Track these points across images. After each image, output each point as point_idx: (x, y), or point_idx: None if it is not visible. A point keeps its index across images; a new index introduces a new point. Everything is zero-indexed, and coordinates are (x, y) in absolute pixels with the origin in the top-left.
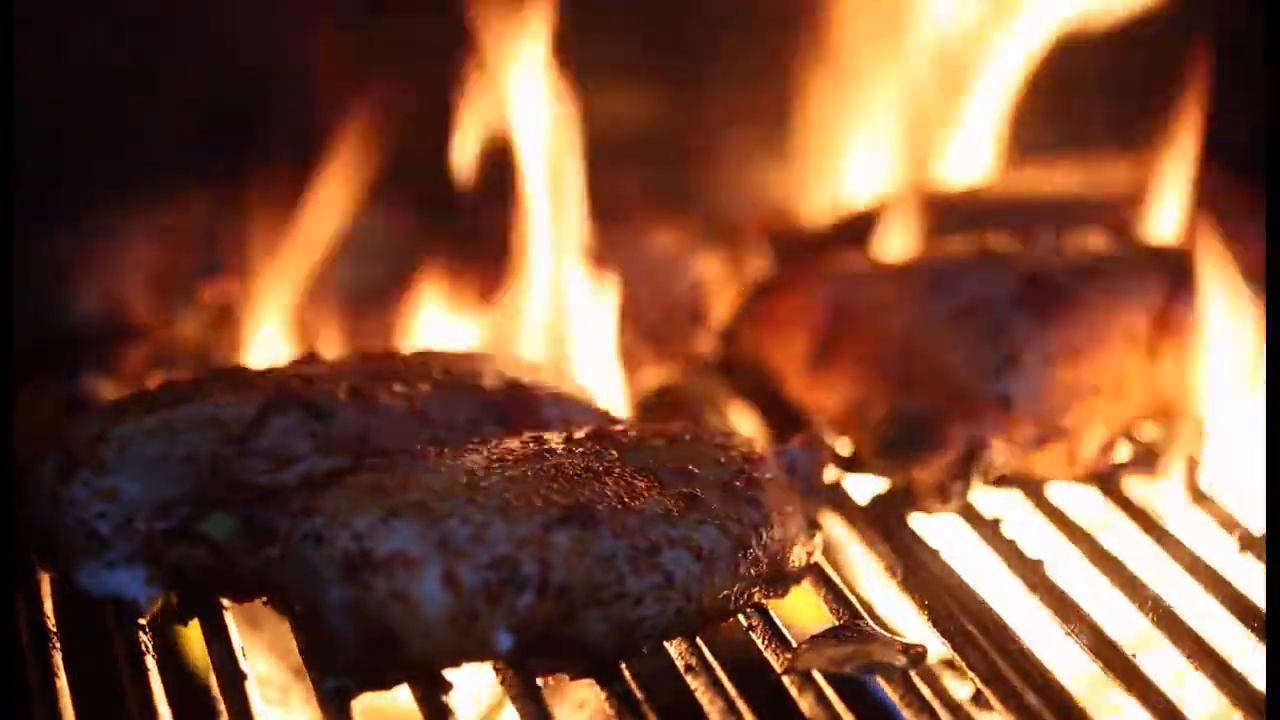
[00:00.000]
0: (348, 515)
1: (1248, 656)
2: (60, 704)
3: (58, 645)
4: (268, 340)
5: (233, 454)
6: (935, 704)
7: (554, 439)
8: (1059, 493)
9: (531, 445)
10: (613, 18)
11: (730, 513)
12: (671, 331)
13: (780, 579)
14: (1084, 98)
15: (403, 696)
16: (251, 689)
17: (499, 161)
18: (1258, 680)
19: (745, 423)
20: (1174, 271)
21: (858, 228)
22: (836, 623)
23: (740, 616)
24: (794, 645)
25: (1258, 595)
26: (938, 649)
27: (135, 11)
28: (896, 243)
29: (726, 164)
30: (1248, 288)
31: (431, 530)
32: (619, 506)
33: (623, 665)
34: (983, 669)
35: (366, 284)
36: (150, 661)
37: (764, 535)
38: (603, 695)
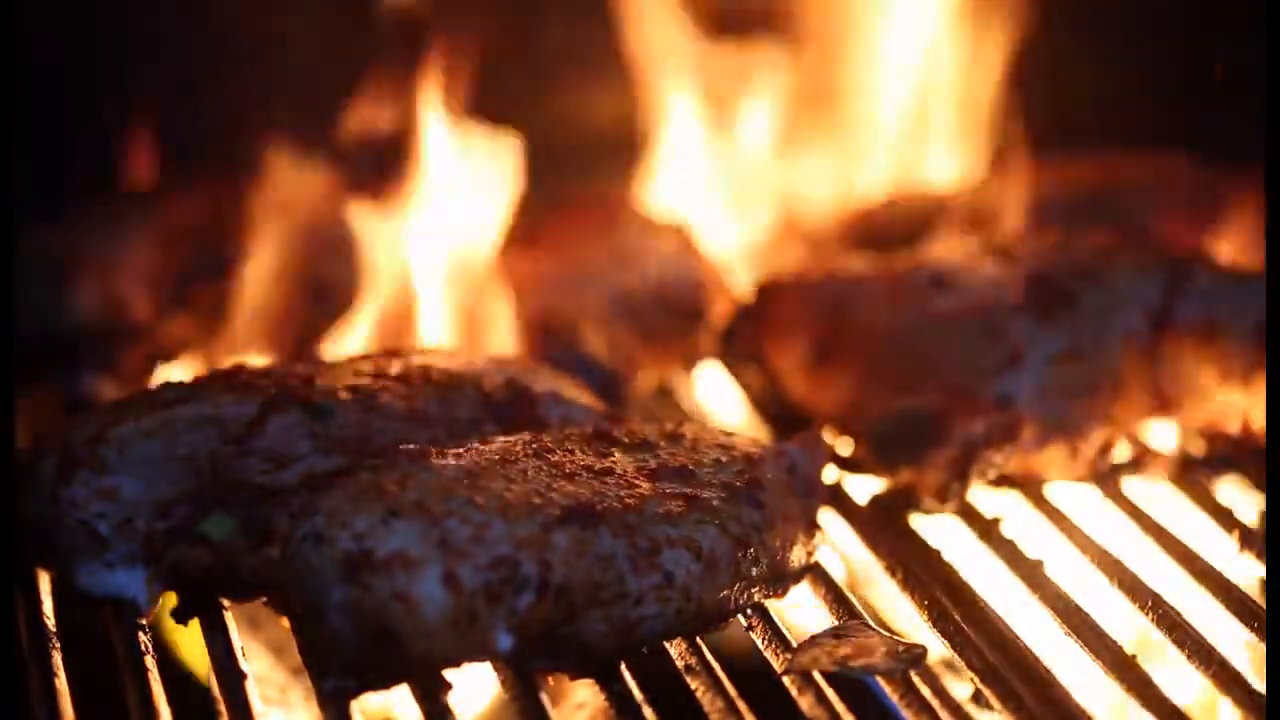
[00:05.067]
0: (348, 515)
1: (1248, 656)
2: (60, 704)
3: (58, 645)
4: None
5: (232, 454)
6: (935, 704)
7: (554, 439)
8: (1059, 493)
9: (531, 445)
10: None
11: (730, 513)
12: (671, 331)
13: (780, 579)
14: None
15: (403, 696)
16: (251, 689)
17: None
18: (1257, 680)
19: (745, 423)
20: (1174, 271)
21: (861, 227)
22: (836, 623)
23: (740, 616)
24: (794, 645)
25: (1258, 595)
26: (938, 649)
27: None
28: (898, 243)
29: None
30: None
31: (431, 530)
32: (619, 506)
33: (623, 665)
34: (982, 669)
35: None
36: (150, 661)
37: (764, 535)
38: (603, 695)
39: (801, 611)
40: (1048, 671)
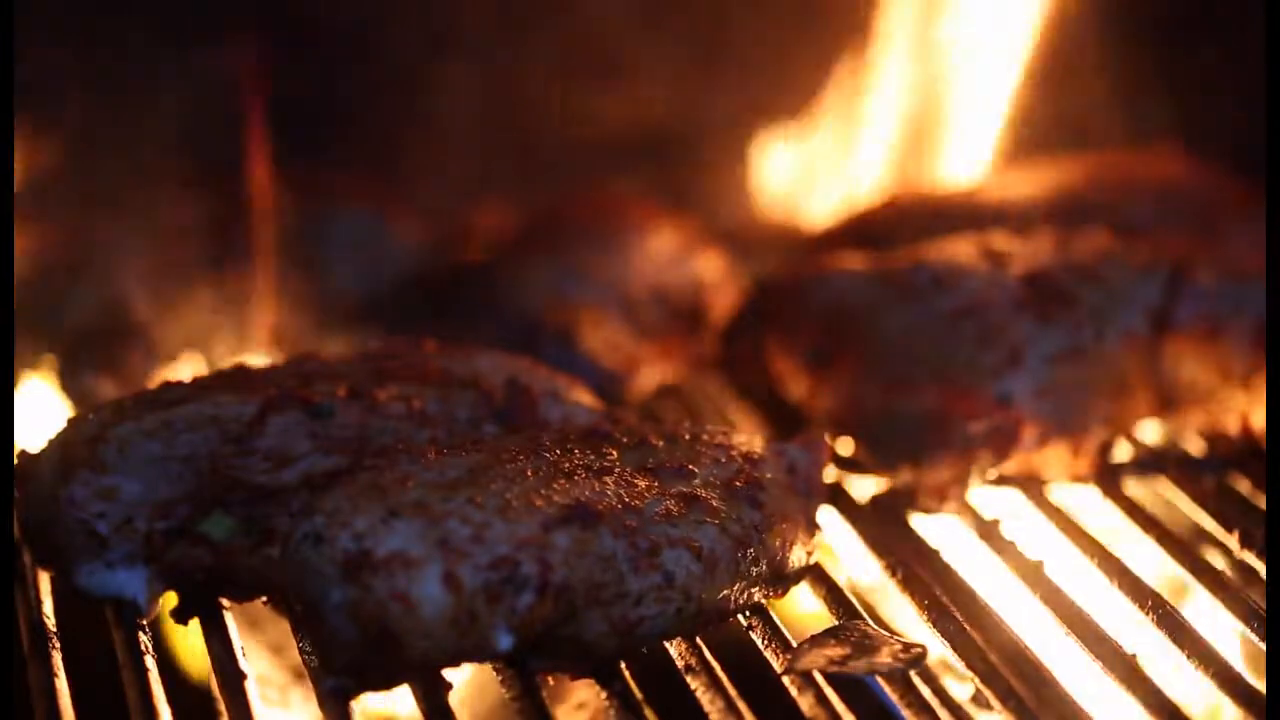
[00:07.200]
0: (348, 515)
1: (1247, 656)
2: (60, 704)
3: (58, 645)
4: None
5: (233, 454)
6: (935, 704)
7: (554, 439)
8: (1059, 493)
9: (531, 445)
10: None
11: (730, 513)
12: (671, 331)
13: (780, 579)
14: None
15: (403, 696)
16: (251, 689)
17: None
18: (1257, 680)
19: (745, 423)
20: (1174, 271)
21: (861, 227)
22: (836, 623)
23: (740, 616)
24: (794, 645)
25: (1257, 595)
26: (938, 649)
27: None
28: (898, 242)
29: (730, 163)
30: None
31: (431, 530)
32: (619, 506)
33: (623, 665)
34: (982, 669)
35: None
36: (150, 661)
37: (764, 535)
38: (603, 695)
39: (801, 611)
40: (1048, 671)
